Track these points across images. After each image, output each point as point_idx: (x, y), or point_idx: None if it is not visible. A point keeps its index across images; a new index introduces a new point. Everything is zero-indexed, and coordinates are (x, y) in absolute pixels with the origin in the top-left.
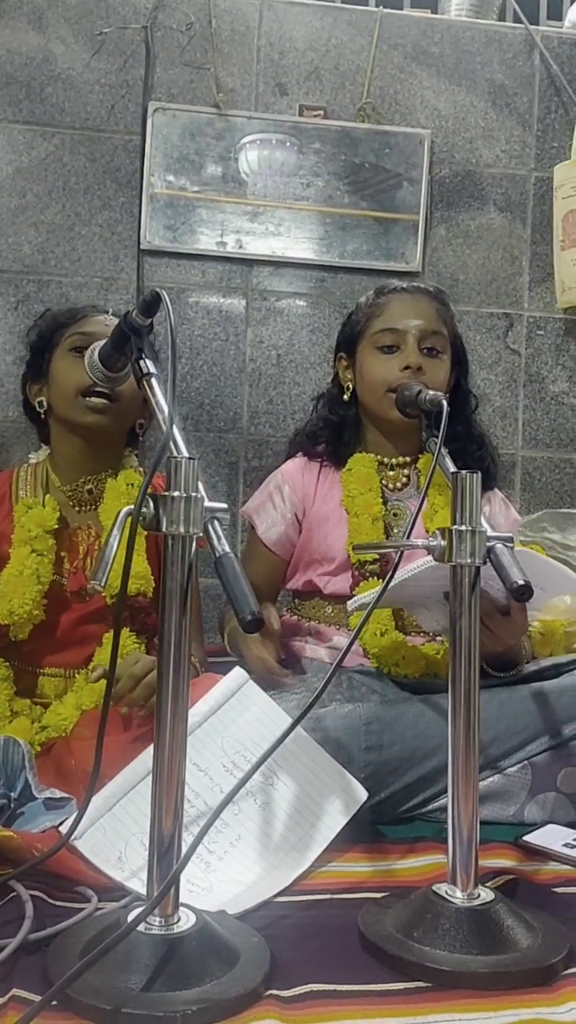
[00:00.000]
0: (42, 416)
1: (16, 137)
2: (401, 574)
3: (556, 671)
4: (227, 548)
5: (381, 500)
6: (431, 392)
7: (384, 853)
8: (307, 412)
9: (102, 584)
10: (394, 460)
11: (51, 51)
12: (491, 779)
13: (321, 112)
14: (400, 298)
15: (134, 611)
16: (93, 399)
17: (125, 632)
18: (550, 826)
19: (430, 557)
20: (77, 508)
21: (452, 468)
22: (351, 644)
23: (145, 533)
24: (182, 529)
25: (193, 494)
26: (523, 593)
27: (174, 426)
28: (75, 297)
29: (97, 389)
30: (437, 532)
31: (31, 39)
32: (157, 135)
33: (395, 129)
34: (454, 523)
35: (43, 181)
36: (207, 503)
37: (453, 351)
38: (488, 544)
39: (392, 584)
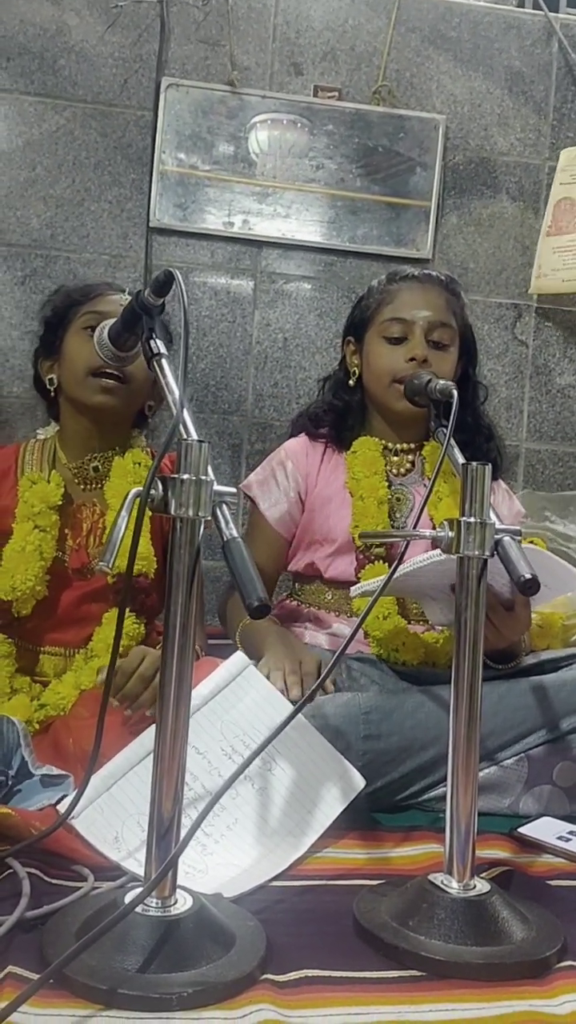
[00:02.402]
0: (52, 393)
1: (27, 109)
2: (407, 565)
3: (555, 665)
4: (235, 532)
5: (386, 484)
6: (441, 382)
7: (379, 841)
8: (312, 396)
9: (110, 565)
10: (399, 446)
11: (65, 22)
12: (488, 771)
13: (336, 93)
14: (411, 287)
15: (135, 591)
16: (103, 379)
17: (127, 613)
18: (545, 819)
19: (439, 550)
20: (82, 486)
21: (461, 459)
22: (354, 633)
23: (149, 514)
24: (191, 512)
25: (203, 477)
26: (530, 587)
27: (184, 408)
28: (83, 274)
29: (107, 370)
30: (445, 523)
31: (45, 10)
32: (169, 111)
33: (410, 113)
34: (463, 514)
35: (53, 155)
36: (216, 487)
37: (462, 341)
38: (496, 537)
39: (398, 574)
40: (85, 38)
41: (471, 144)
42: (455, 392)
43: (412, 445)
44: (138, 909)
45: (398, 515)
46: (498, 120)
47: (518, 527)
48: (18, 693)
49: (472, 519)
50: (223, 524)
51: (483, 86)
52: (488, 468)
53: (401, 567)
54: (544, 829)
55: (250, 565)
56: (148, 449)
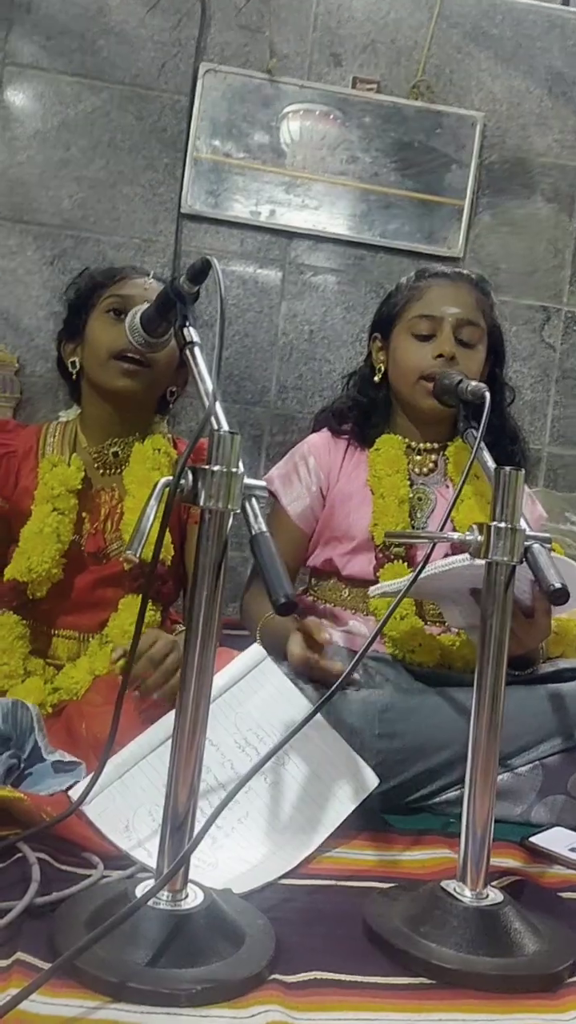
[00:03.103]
0: (74, 376)
1: (64, 89)
2: (431, 568)
3: (573, 674)
4: (263, 527)
5: (408, 483)
6: (473, 383)
7: (390, 843)
8: (336, 390)
9: (137, 554)
10: (422, 445)
11: (106, 3)
12: (501, 777)
13: (375, 86)
14: (440, 284)
15: (149, 576)
16: (124, 363)
17: (141, 599)
18: (557, 829)
19: (466, 555)
20: (102, 470)
21: (491, 463)
22: (375, 636)
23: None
24: (220, 505)
25: (233, 470)
26: (560, 597)
27: (217, 399)
28: (112, 257)
29: (129, 354)
30: (474, 527)
31: None
32: (206, 97)
33: (448, 109)
34: (493, 519)
35: (88, 136)
36: (247, 480)
37: (490, 341)
38: (525, 544)
39: (421, 577)
40: (125, 20)
41: (508, 143)
42: (487, 394)
43: (436, 445)
44: (149, 902)
45: (419, 515)
46: (537, 120)
47: (548, 535)
48: (32, 675)
49: (503, 524)
50: (252, 518)
51: (523, 85)
52: (521, 474)
53: (425, 569)
54: (556, 840)
55: (278, 561)
56: (169, 436)
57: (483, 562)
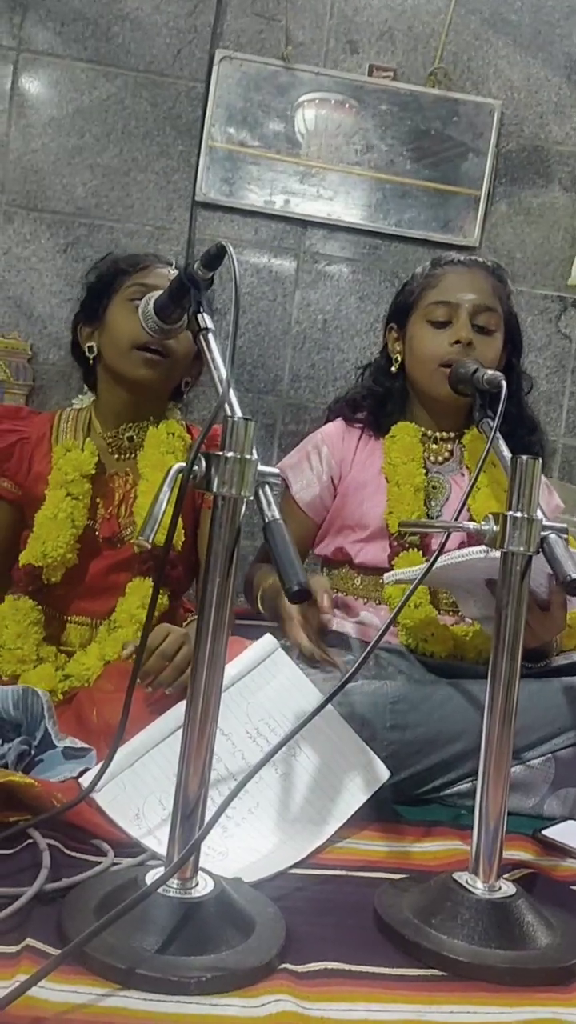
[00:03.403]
0: (90, 361)
1: (79, 76)
2: (446, 558)
3: None
4: (276, 514)
5: (423, 471)
6: (489, 372)
7: (400, 834)
8: (349, 380)
9: (150, 540)
10: (438, 434)
11: None
12: (514, 770)
13: (391, 74)
14: (456, 271)
15: (161, 563)
16: (146, 353)
17: (150, 583)
18: (570, 822)
19: (483, 546)
20: (116, 455)
21: (507, 452)
22: (388, 626)
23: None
24: (234, 491)
25: (247, 456)
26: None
27: (230, 385)
28: (125, 244)
29: (151, 346)
30: (490, 517)
31: None
32: (221, 84)
33: (465, 97)
34: (509, 508)
35: (102, 123)
36: (260, 467)
37: (507, 330)
38: (542, 534)
39: (436, 567)
40: (140, 6)
41: (525, 131)
42: (504, 383)
43: (452, 434)
44: (159, 889)
45: (434, 504)
46: (555, 108)
47: (565, 525)
48: (44, 662)
49: (519, 514)
50: (265, 505)
51: (541, 73)
52: (538, 463)
53: (440, 560)
54: (568, 833)
55: (291, 548)
56: (183, 422)
57: (499, 553)
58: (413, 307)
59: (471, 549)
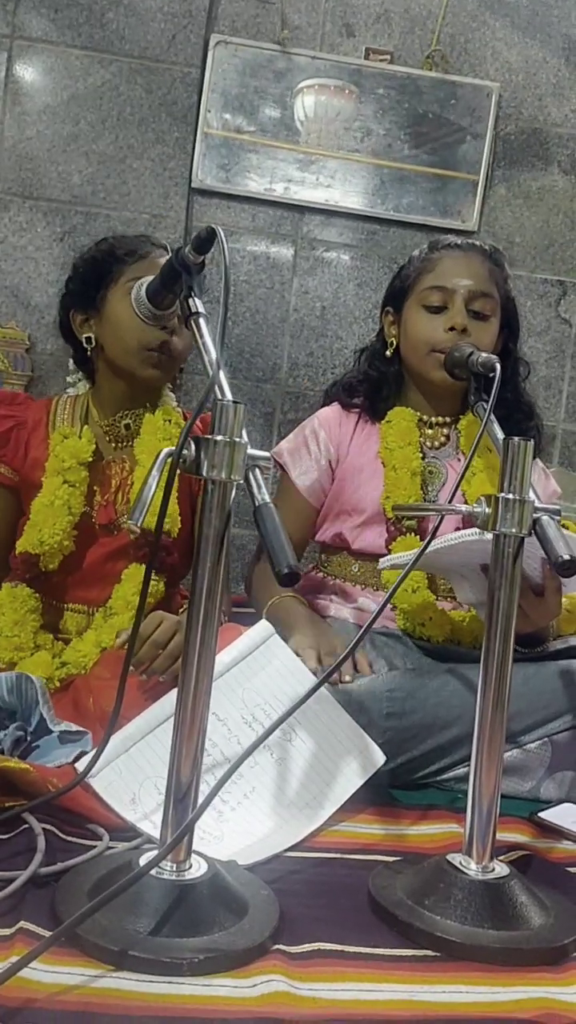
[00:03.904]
0: (88, 351)
1: (73, 63)
2: (440, 541)
3: None
4: (267, 498)
5: (420, 456)
6: (483, 355)
7: (396, 818)
8: (347, 367)
9: (139, 524)
10: (434, 419)
11: None
12: (510, 753)
13: (388, 57)
14: (452, 255)
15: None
16: (155, 354)
17: (145, 571)
18: (566, 805)
19: (474, 528)
20: (113, 443)
21: (501, 435)
22: (382, 609)
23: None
24: (223, 475)
25: (237, 439)
26: (569, 568)
27: (220, 369)
28: (122, 232)
29: (161, 344)
30: (482, 499)
31: None
32: (217, 70)
33: (463, 80)
34: (501, 490)
35: (97, 110)
36: (250, 451)
37: (504, 314)
38: (534, 516)
39: (429, 550)
40: None
41: (524, 114)
42: (498, 366)
43: (448, 418)
44: (152, 872)
45: (430, 488)
46: (553, 90)
47: (558, 507)
48: (41, 649)
49: (511, 496)
50: (255, 489)
51: (539, 54)
52: (530, 444)
53: (434, 543)
54: (564, 815)
55: (281, 531)
56: (179, 408)
57: (490, 536)
58: (409, 291)
59: (464, 532)
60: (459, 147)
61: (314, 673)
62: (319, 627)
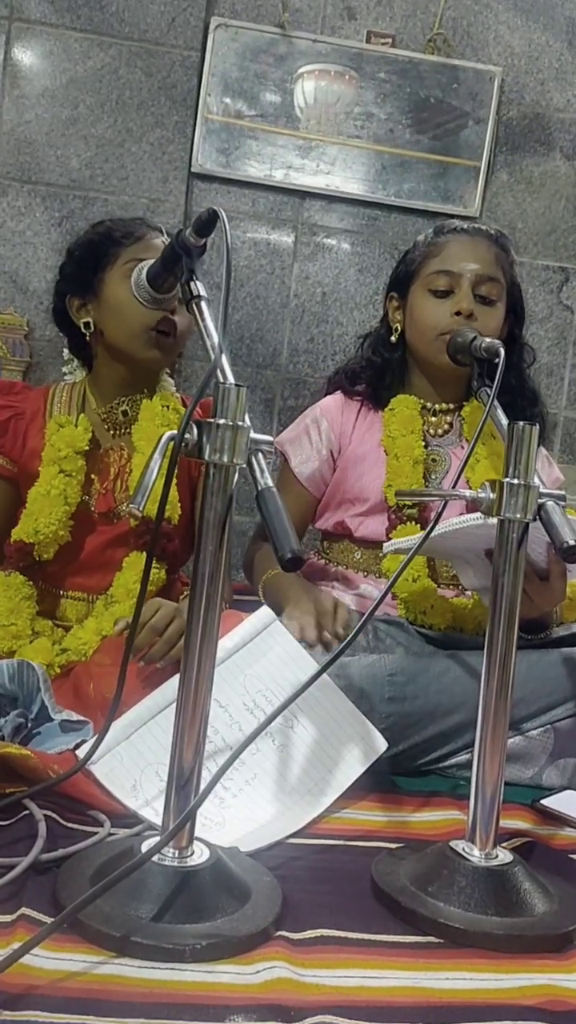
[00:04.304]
0: (86, 337)
1: (72, 45)
2: (443, 526)
3: None
4: (269, 482)
5: (422, 444)
6: (487, 340)
7: (399, 804)
8: (348, 354)
9: (140, 508)
10: (437, 406)
11: None
12: (513, 740)
13: (390, 40)
14: (459, 239)
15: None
16: (158, 335)
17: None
18: (568, 792)
19: (479, 513)
20: (111, 431)
21: (505, 420)
22: (384, 595)
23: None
24: (225, 459)
25: (239, 423)
26: (573, 553)
27: (223, 352)
28: (121, 217)
29: (162, 328)
30: (487, 484)
31: None
32: (217, 53)
33: (465, 64)
34: (506, 475)
35: (96, 93)
36: (253, 435)
37: (509, 299)
38: (539, 501)
39: (433, 534)
40: None
41: (526, 99)
42: (502, 351)
43: (451, 406)
44: (154, 858)
45: (433, 476)
46: (556, 75)
47: (563, 492)
48: (40, 636)
49: (516, 481)
50: (258, 473)
51: (542, 38)
52: (535, 429)
53: (437, 528)
54: (567, 802)
55: (284, 516)
56: (177, 395)
57: (495, 520)
58: (414, 276)
59: (468, 516)
60: (461, 132)
61: (306, 642)
62: (311, 594)
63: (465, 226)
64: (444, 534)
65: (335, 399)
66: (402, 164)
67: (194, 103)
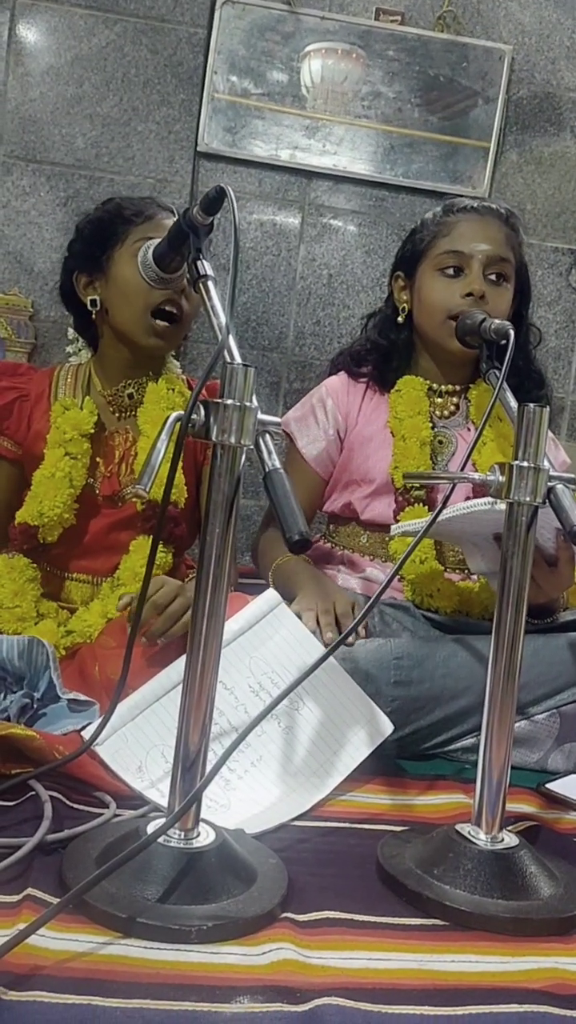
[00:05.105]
0: (92, 315)
1: (77, 23)
2: (452, 510)
3: None
4: (277, 464)
5: (429, 425)
6: (496, 321)
7: (404, 788)
8: (355, 336)
9: (147, 489)
10: (444, 387)
11: None
12: (518, 724)
13: (399, 18)
14: (469, 218)
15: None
16: (161, 322)
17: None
18: (573, 776)
19: (488, 498)
20: (116, 413)
21: (514, 403)
22: (391, 578)
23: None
24: (233, 440)
25: (247, 404)
26: None
27: (230, 332)
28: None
29: (167, 309)
30: (496, 467)
31: None
32: (224, 30)
33: (475, 42)
34: (516, 458)
35: (102, 71)
36: (260, 416)
37: (518, 279)
38: (548, 484)
39: (441, 519)
40: None
41: (537, 78)
42: (511, 333)
43: (458, 387)
44: (160, 840)
45: (439, 458)
46: (567, 53)
47: (573, 475)
48: (45, 618)
49: (525, 464)
50: (266, 454)
51: (553, 16)
52: (546, 411)
53: (445, 511)
54: (572, 786)
55: (292, 498)
56: (183, 377)
57: (504, 505)
58: (423, 256)
59: (477, 500)
60: (470, 111)
61: (313, 632)
62: (322, 585)
63: (475, 204)
64: (452, 518)
65: (340, 379)
66: (410, 144)
67: (200, 81)
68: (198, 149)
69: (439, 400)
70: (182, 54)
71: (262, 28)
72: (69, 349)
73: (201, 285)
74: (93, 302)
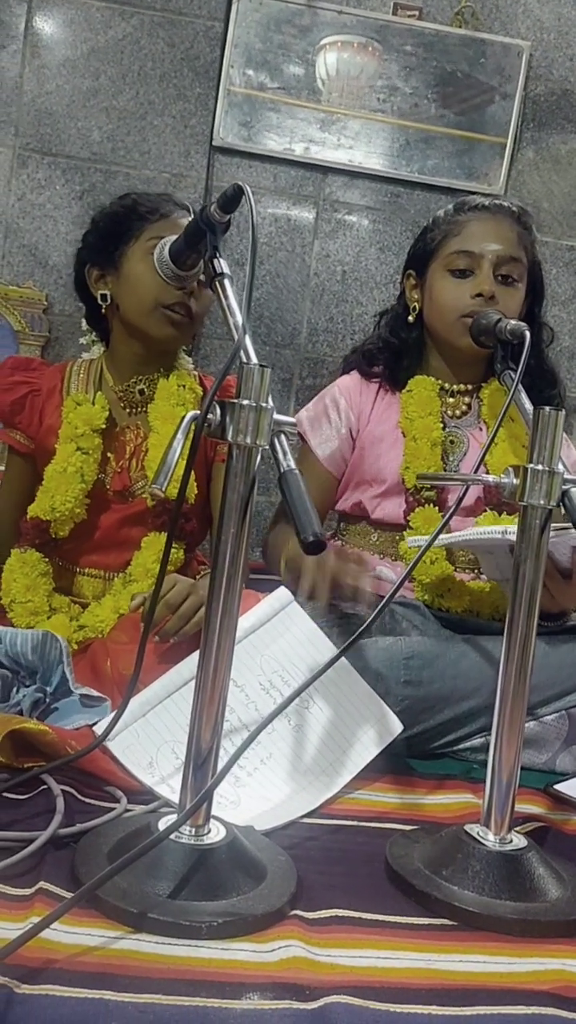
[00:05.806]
0: (103, 309)
1: (94, 15)
2: (465, 534)
3: None
4: (292, 464)
5: (440, 425)
6: (512, 322)
7: (412, 787)
8: (368, 334)
9: (163, 488)
10: (455, 387)
11: None
12: (527, 725)
13: (417, 12)
14: (480, 217)
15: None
16: (173, 314)
17: (166, 537)
18: None
19: (502, 528)
20: (128, 409)
21: (529, 404)
22: (403, 581)
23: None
24: (249, 440)
25: (263, 404)
26: None
27: (247, 332)
28: (142, 191)
29: (177, 306)
30: (510, 469)
31: None
32: (241, 24)
33: (493, 38)
34: (530, 461)
35: (118, 64)
36: (276, 416)
37: (530, 278)
38: (563, 488)
39: (453, 542)
40: None
41: (555, 75)
42: (527, 334)
43: (469, 387)
44: (171, 836)
45: (451, 458)
46: None
47: None
48: (57, 612)
49: (540, 467)
50: (280, 455)
51: (572, 13)
52: (561, 414)
53: (458, 534)
54: None
55: (307, 498)
56: (195, 373)
57: (515, 533)
58: (433, 255)
59: (488, 529)
60: (487, 108)
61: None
62: (336, 566)
63: (487, 203)
64: (465, 541)
65: (352, 378)
66: (426, 140)
67: (216, 75)
68: (213, 143)
69: (451, 400)
70: (199, 48)
71: (279, 21)
72: (83, 340)
73: (217, 283)
74: (104, 296)
